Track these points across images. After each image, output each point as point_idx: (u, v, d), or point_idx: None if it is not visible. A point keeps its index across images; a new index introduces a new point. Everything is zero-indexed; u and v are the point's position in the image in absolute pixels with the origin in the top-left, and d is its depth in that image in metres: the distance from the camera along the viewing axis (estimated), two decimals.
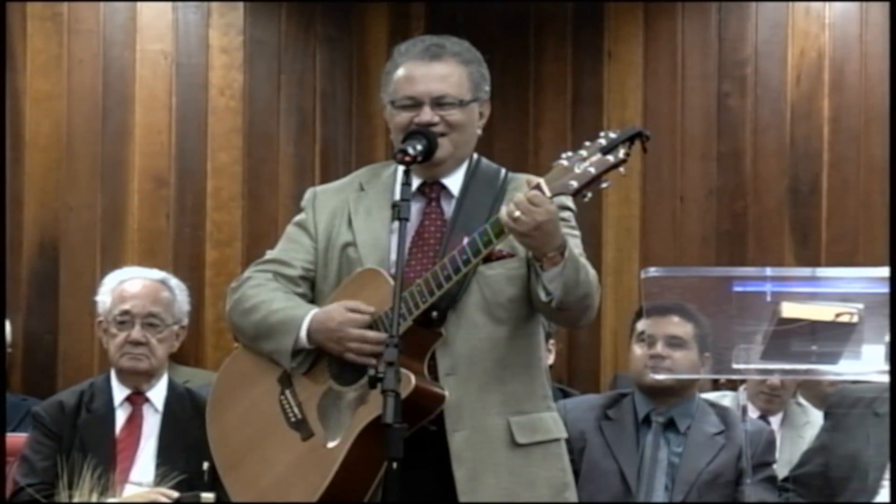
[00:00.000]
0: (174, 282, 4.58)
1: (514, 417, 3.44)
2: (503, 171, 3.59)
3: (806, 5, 6.55)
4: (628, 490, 4.58)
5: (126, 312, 4.45)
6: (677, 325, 4.59)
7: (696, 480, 4.57)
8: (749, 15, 6.62)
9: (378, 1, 6.80)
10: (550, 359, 5.80)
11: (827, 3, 6.53)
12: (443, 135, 3.47)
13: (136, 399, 4.45)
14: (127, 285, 4.51)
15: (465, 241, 3.33)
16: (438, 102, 3.47)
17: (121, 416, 4.43)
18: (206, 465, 4.14)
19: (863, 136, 6.47)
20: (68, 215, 6.45)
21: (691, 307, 4.39)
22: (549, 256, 3.28)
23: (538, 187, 3.25)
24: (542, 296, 3.33)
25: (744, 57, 6.62)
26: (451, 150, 3.50)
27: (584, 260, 3.38)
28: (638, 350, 4.75)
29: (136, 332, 4.42)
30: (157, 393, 4.46)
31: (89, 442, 4.31)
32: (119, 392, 4.44)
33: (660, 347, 4.63)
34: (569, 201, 3.46)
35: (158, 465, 4.30)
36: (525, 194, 3.23)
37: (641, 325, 4.71)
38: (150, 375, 4.45)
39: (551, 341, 5.69)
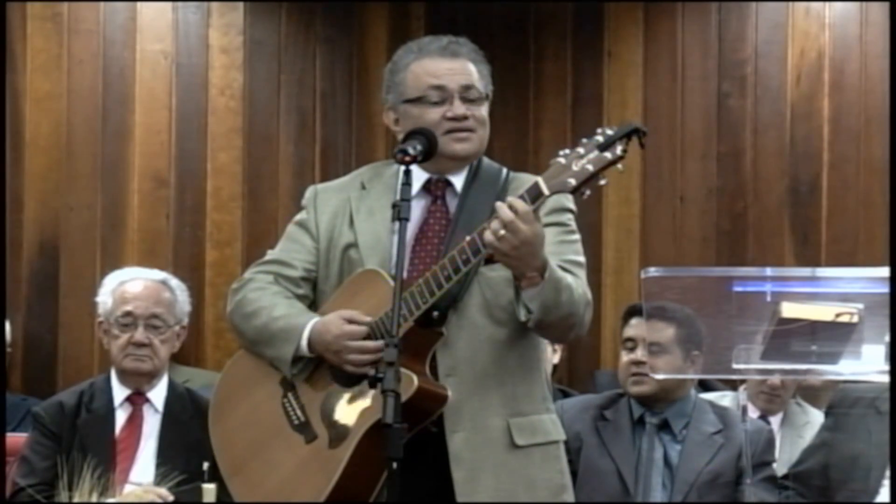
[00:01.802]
0: (175, 282, 4.59)
1: (514, 419, 3.44)
2: (504, 170, 3.58)
3: (806, 5, 6.55)
4: (626, 490, 4.57)
5: (129, 314, 4.44)
6: (655, 330, 4.57)
7: (695, 480, 4.56)
8: (749, 15, 6.62)
9: (378, 1, 6.80)
10: (556, 359, 5.82)
11: (827, 3, 6.53)
12: (472, 130, 3.47)
13: (137, 399, 4.45)
14: (128, 286, 4.50)
15: (467, 239, 3.32)
16: (466, 97, 3.47)
17: (121, 417, 4.43)
18: (206, 466, 4.14)
19: (863, 136, 6.47)
20: (68, 215, 6.45)
21: (674, 307, 4.37)
22: (529, 276, 3.28)
23: (536, 187, 3.24)
24: (522, 314, 3.34)
25: (744, 57, 6.62)
26: (479, 147, 3.51)
27: (570, 279, 3.36)
28: (624, 356, 4.76)
29: (140, 334, 4.42)
30: (158, 393, 4.46)
31: (89, 442, 4.30)
32: (119, 392, 4.44)
33: (639, 353, 4.64)
34: (569, 202, 3.46)
35: (158, 466, 4.30)
36: (511, 204, 3.21)
37: (625, 329, 4.74)
38: (153, 376, 4.46)
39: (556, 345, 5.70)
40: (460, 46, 3.53)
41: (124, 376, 4.44)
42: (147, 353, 4.42)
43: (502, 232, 3.19)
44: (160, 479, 4.20)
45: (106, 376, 4.49)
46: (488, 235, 3.21)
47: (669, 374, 4.55)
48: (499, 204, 3.23)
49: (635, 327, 4.71)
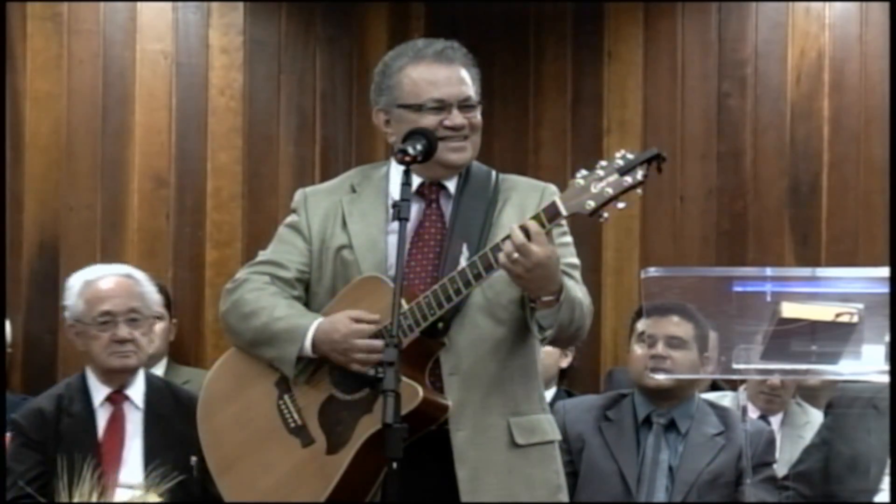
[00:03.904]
0: (139, 274, 4.55)
1: (514, 418, 3.46)
2: (493, 172, 3.59)
3: (806, 5, 6.55)
4: (628, 491, 4.57)
5: (107, 313, 4.40)
6: (678, 326, 4.59)
7: (696, 481, 4.57)
8: (749, 15, 6.62)
9: (378, 1, 6.80)
10: (564, 363, 5.83)
11: (827, 3, 6.52)
12: (467, 138, 3.49)
13: (117, 398, 4.41)
14: (98, 285, 4.46)
15: (465, 249, 3.33)
16: (463, 105, 3.48)
17: (102, 417, 4.39)
18: (193, 460, 4.15)
19: (863, 136, 6.46)
20: (68, 215, 6.45)
21: (691, 307, 4.40)
22: (544, 301, 3.29)
23: (553, 206, 3.24)
24: (535, 331, 3.36)
25: (744, 57, 6.62)
26: (473, 154, 3.53)
27: (579, 292, 3.38)
28: (638, 350, 4.74)
29: (122, 330, 4.38)
30: (137, 390, 4.43)
31: (74, 447, 4.24)
32: (98, 393, 4.41)
33: (660, 348, 4.62)
34: (560, 205, 3.46)
35: (147, 464, 4.28)
36: (524, 226, 3.22)
37: (642, 325, 4.71)
38: (138, 370, 4.44)
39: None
40: (454, 52, 3.54)
41: (110, 375, 4.41)
42: (131, 348, 4.39)
43: (515, 255, 3.19)
44: (149, 477, 4.17)
45: (80, 376, 4.45)
46: (502, 258, 3.22)
47: (686, 373, 4.56)
48: (512, 226, 3.24)
49: (655, 323, 4.66)
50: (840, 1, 6.52)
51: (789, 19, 6.56)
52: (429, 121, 3.46)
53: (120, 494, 4.15)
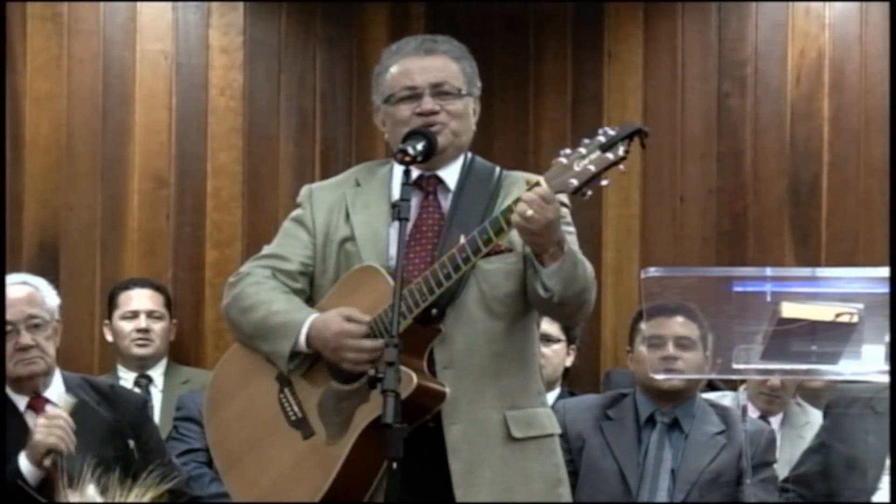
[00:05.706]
0: (34, 279, 4.51)
1: (510, 412, 3.46)
2: (497, 168, 3.60)
3: (806, 5, 6.55)
4: (628, 490, 4.58)
5: (7, 322, 4.32)
6: (684, 326, 4.59)
7: (697, 480, 4.57)
8: (749, 15, 6.62)
9: (378, 1, 6.80)
10: (568, 361, 5.83)
11: (827, 3, 6.52)
12: (443, 124, 3.48)
13: (38, 403, 4.35)
14: None
15: (464, 239, 3.33)
16: (437, 91, 3.48)
17: (31, 424, 4.28)
18: (132, 444, 4.21)
19: (863, 136, 6.46)
20: (68, 215, 6.45)
21: (694, 308, 4.40)
22: (550, 252, 3.29)
23: (537, 185, 3.25)
24: (542, 292, 3.34)
25: (744, 57, 6.62)
26: (452, 139, 3.52)
27: (581, 255, 3.40)
28: (645, 351, 4.73)
29: (24, 338, 4.32)
30: (56, 391, 4.38)
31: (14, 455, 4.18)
32: (19, 402, 4.34)
33: (670, 349, 4.63)
34: (564, 198, 3.47)
35: (90, 460, 4.22)
36: (535, 191, 3.23)
37: (648, 327, 4.71)
38: (47, 375, 4.38)
39: (572, 346, 5.72)
40: (437, 44, 3.55)
41: (20, 384, 4.34)
42: (36, 353, 4.34)
43: (530, 212, 3.19)
44: (97, 472, 4.10)
45: None
46: (516, 217, 3.22)
47: (696, 373, 4.58)
48: (516, 209, 3.24)
49: (661, 324, 4.65)
50: (840, 1, 6.52)
51: (789, 19, 6.56)
52: (403, 111, 3.49)
53: (72, 496, 4.11)
